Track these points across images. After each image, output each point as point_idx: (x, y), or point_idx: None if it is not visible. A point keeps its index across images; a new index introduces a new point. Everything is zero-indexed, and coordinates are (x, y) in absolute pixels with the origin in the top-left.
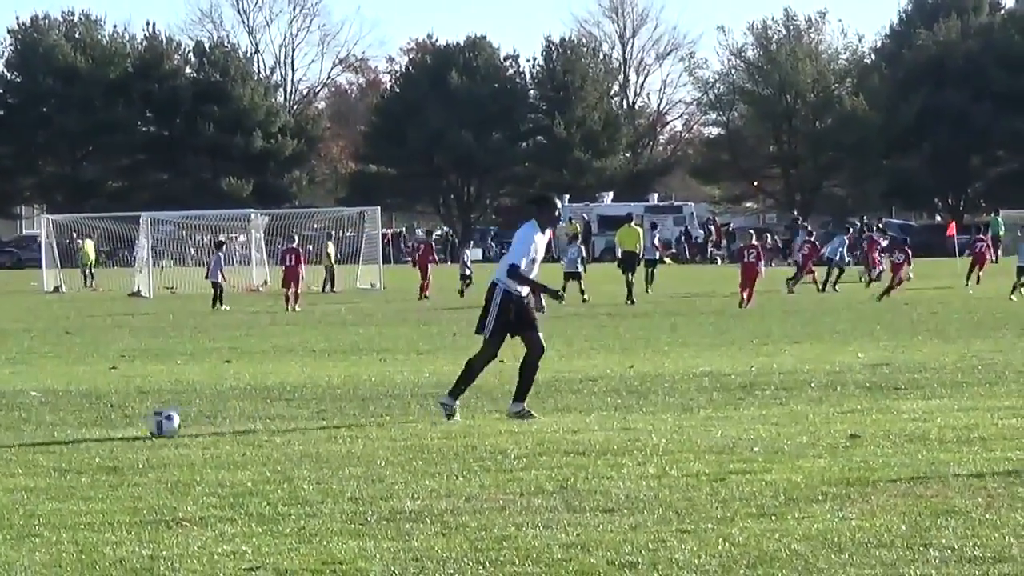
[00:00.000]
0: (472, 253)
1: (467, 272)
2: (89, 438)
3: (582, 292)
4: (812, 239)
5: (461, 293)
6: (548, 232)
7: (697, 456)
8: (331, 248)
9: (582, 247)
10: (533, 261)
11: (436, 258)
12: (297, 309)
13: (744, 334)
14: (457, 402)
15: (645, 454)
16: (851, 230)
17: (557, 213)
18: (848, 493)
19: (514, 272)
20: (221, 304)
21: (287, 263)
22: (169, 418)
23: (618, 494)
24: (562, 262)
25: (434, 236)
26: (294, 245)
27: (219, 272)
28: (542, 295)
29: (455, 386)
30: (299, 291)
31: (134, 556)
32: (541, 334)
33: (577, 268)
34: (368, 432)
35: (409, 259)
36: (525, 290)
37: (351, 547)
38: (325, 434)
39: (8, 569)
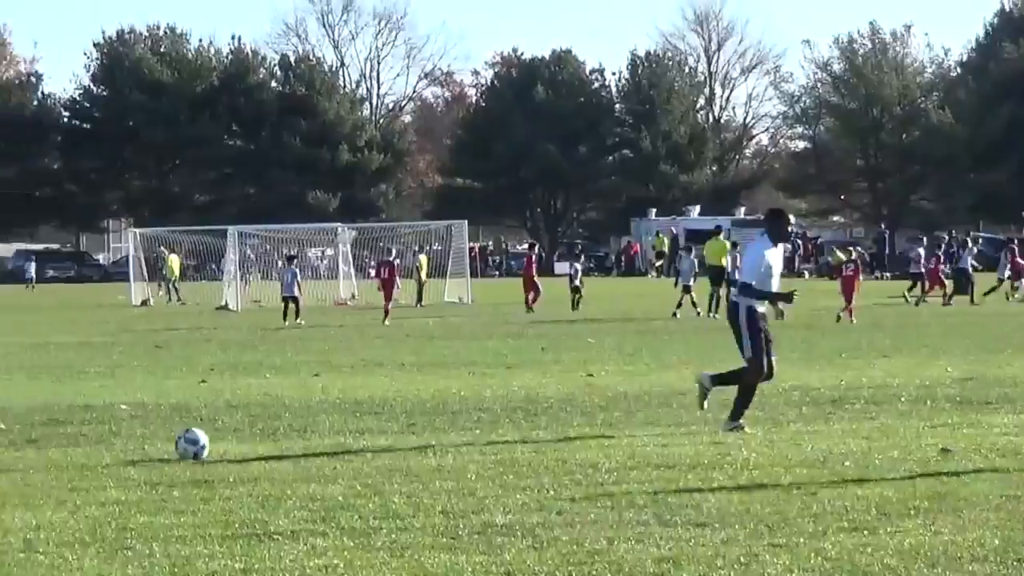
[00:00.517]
0: (561, 267)
1: (577, 284)
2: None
3: (694, 305)
4: (940, 252)
5: (576, 306)
6: (781, 246)
7: (788, 470)
8: (423, 261)
9: (695, 260)
10: (769, 276)
11: (534, 270)
12: (387, 323)
13: (832, 348)
14: (740, 420)
15: (735, 468)
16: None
17: (790, 228)
18: (940, 507)
19: (747, 290)
20: (297, 318)
21: (382, 276)
22: (196, 443)
23: (709, 508)
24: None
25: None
26: (390, 258)
27: (295, 286)
28: (780, 304)
29: (735, 410)
30: (389, 306)
31: (226, 570)
32: (775, 358)
33: (690, 281)
34: (458, 445)
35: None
36: (762, 307)
37: (443, 560)
38: (415, 447)
39: None
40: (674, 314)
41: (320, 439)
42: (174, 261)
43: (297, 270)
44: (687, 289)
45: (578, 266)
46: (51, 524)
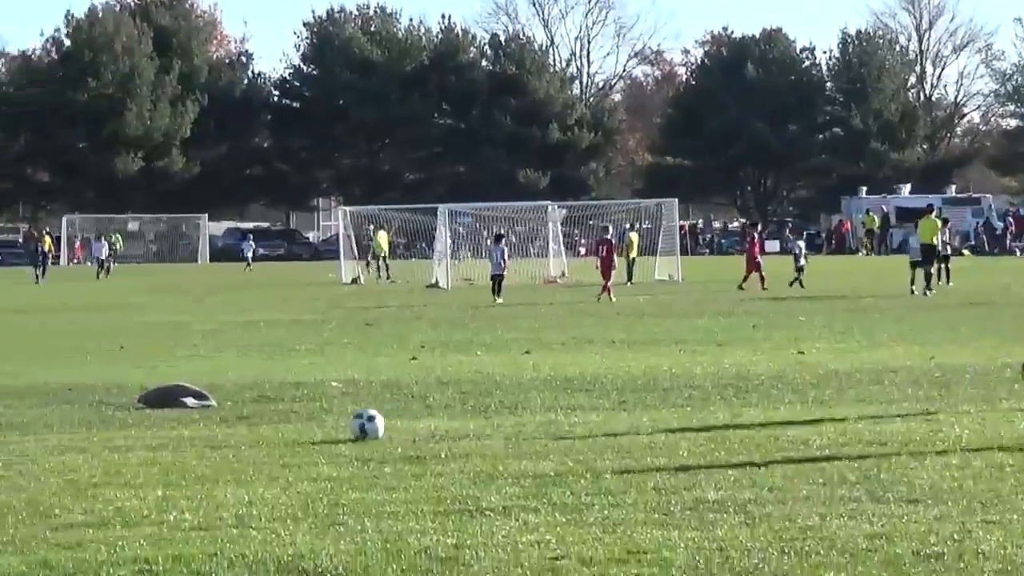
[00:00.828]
0: (771, 244)
1: (802, 264)
2: (391, 428)
3: (940, 278)
4: None
5: (800, 284)
6: None
7: (1001, 447)
8: (635, 239)
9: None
10: None
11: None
12: (613, 299)
13: None
14: None
15: (948, 445)
16: None
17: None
18: None
19: None
20: (498, 296)
21: (600, 254)
22: (372, 419)
23: (922, 484)
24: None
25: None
26: (608, 236)
27: (502, 264)
28: None
29: None
30: (609, 283)
31: (439, 545)
32: None
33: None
34: (669, 422)
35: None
36: None
37: (655, 536)
38: (626, 424)
39: (314, 557)
40: (914, 291)
41: (531, 416)
42: (382, 238)
43: (505, 248)
44: (917, 264)
45: (802, 244)
46: (263, 500)
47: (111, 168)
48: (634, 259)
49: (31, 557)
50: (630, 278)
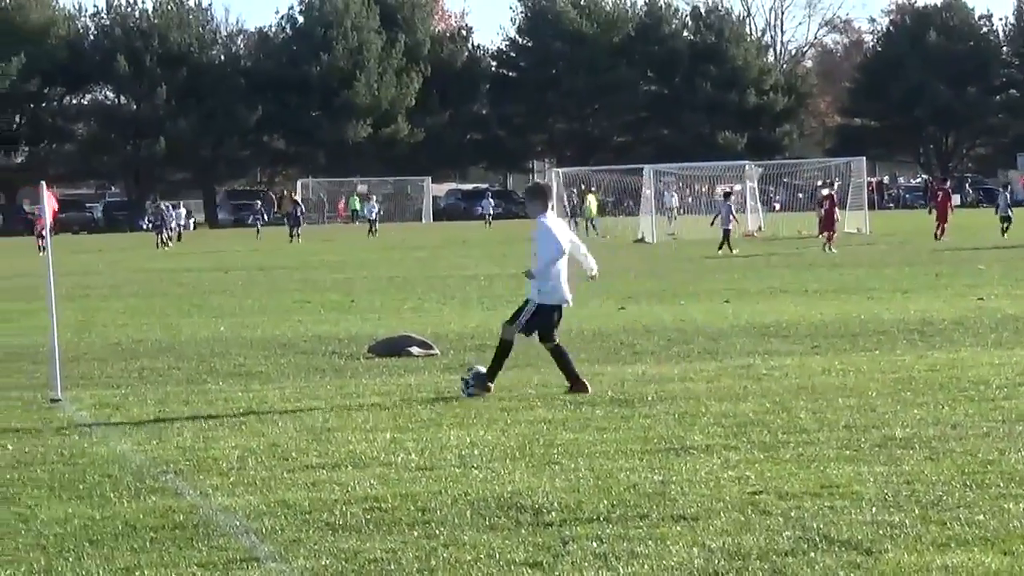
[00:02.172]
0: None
1: (1009, 214)
2: (601, 373)
3: None
4: None
5: (1005, 233)
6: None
7: None
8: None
9: None
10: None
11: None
12: (833, 251)
13: None
14: None
15: None
16: None
17: None
18: None
19: None
20: (731, 249)
21: (824, 208)
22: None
23: None
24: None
25: (913, 183)
26: (830, 192)
27: (730, 219)
28: None
29: None
30: (833, 233)
31: (646, 481)
32: None
33: None
34: (859, 365)
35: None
36: None
37: (846, 471)
38: (819, 367)
39: (531, 494)
40: None
41: (731, 360)
42: (592, 201)
43: (732, 205)
44: None
45: (1008, 194)
46: (484, 441)
47: (342, 135)
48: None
49: (270, 497)
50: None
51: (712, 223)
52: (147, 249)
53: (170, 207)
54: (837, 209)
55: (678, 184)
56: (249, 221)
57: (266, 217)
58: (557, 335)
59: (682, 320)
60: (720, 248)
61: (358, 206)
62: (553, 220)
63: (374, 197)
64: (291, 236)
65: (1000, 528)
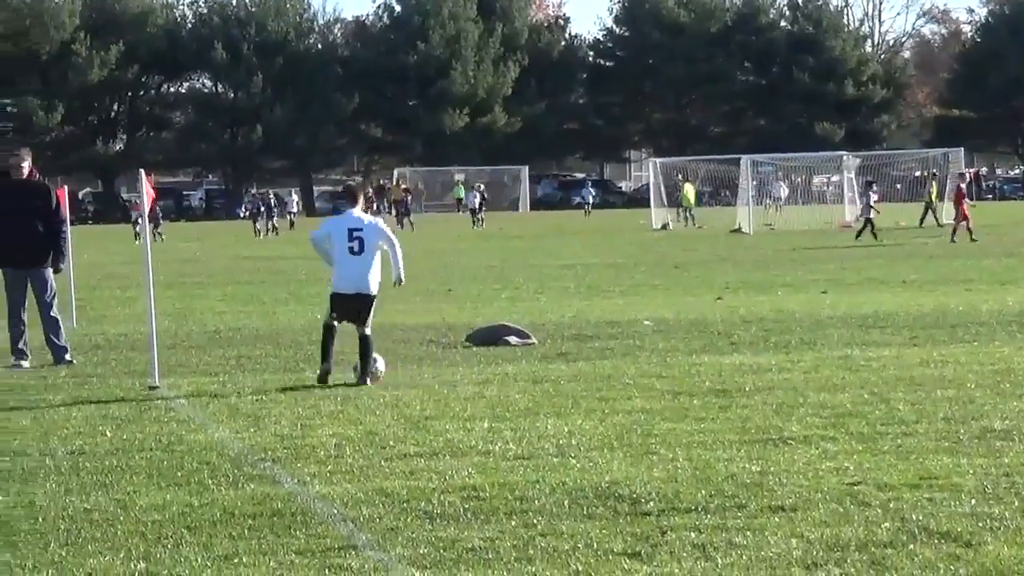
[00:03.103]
0: None
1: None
2: (699, 363)
3: None
4: None
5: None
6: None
7: None
8: (933, 186)
9: None
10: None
11: None
12: (955, 240)
13: None
14: None
15: None
16: None
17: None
18: None
19: None
20: (875, 237)
21: (960, 195)
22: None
23: None
24: None
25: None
26: (964, 183)
27: (871, 208)
28: None
29: None
30: (963, 223)
31: (744, 472)
32: None
33: None
34: (958, 356)
35: None
36: None
37: (945, 463)
38: (918, 358)
39: (629, 484)
40: None
41: (829, 351)
42: (689, 191)
43: (873, 194)
44: None
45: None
46: (581, 430)
47: (439, 124)
48: (934, 205)
49: (368, 485)
50: (924, 221)
51: (860, 215)
52: (245, 237)
53: (271, 195)
54: (965, 200)
55: (777, 174)
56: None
57: (376, 206)
58: (363, 326)
59: (779, 310)
60: (858, 236)
61: (462, 194)
62: (348, 215)
63: (478, 185)
64: (400, 224)
65: None
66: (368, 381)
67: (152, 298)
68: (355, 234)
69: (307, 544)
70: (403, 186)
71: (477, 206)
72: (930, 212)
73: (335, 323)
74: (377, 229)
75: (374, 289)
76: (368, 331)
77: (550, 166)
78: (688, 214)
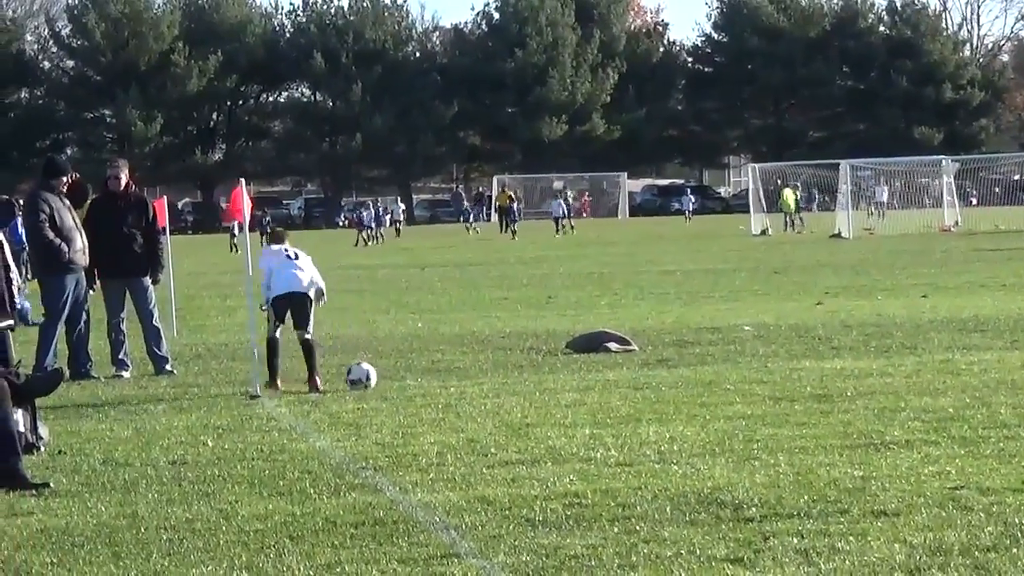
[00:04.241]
0: None
1: None
2: (800, 368)
3: None
4: None
5: None
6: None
7: None
8: None
9: None
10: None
11: None
12: None
13: None
14: None
15: None
16: None
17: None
18: None
19: None
20: None
21: None
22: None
23: None
24: None
25: None
26: None
27: None
28: None
29: None
30: None
31: (846, 477)
32: None
33: None
34: None
35: None
36: None
37: None
38: (1019, 362)
39: (731, 489)
40: None
41: (930, 355)
42: (788, 196)
43: None
44: None
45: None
46: (683, 436)
47: (538, 131)
48: None
49: (470, 492)
50: None
51: None
52: (344, 245)
53: (371, 204)
54: None
55: (878, 179)
56: (463, 219)
57: (482, 215)
58: (304, 331)
59: (880, 315)
60: None
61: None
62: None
63: (563, 192)
64: (503, 230)
65: None
66: (319, 388)
67: (253, 307)
68: (289, 251)
69: (409, 552)
70: (508, 193)
71: (563, 213)
72: None
73: (277, 335)
74: (307, 258)
75: (311, 291)
76: (309, 335)
77: (648, 172)
78: (790, 219)
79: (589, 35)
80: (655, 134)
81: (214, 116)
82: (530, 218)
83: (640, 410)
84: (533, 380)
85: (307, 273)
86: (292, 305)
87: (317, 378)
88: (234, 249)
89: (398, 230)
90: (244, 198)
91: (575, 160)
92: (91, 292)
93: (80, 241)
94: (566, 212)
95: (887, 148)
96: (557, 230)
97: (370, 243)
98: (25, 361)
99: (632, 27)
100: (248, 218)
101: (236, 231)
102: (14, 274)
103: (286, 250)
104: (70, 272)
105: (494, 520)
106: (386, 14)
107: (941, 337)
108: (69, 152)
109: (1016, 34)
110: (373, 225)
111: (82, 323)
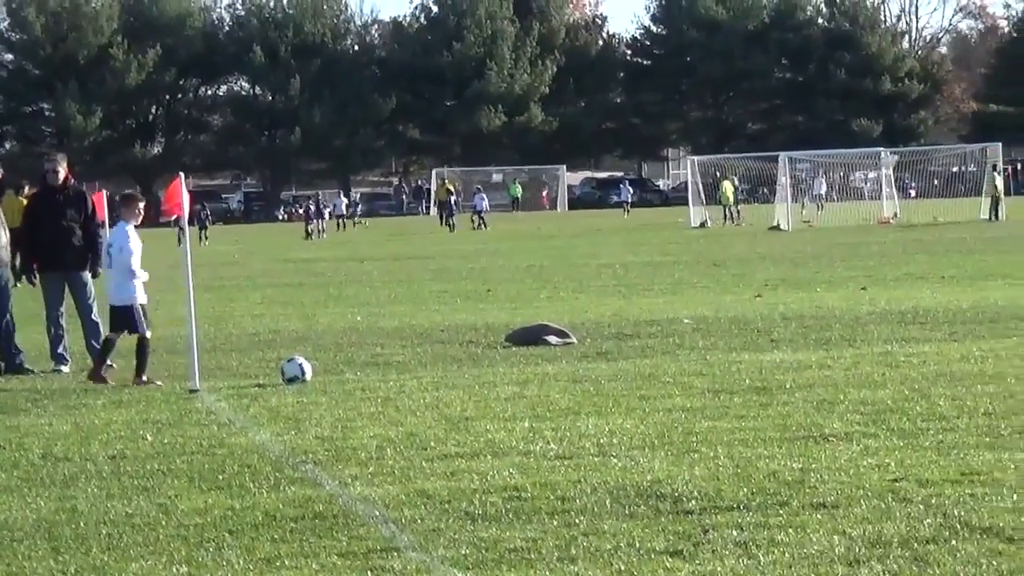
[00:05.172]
0: None
1: None
2: (739, 361)
3: None
4: None
5: None
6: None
7: None
8: (998, 181)
9: None
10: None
11: None
12: None
13: None
14: None
15: None
16: None
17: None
18: None
19: None
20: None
21: None
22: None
23: None
24: None
25: None
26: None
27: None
28: None
29: None
30: None
31: (786, 469)
32: None
33: None
34: (998, 351)
35: None
36: None
37: (987, 459)
38: (958, 354)
39: (671, 482)
40: None
41: (869, 347)
42: (727, 188)
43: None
44: None
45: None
46: (622, 429)
47: (476, 124)
48: (997, 197)
49: (409, 486)
50: (996, 215)
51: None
52: (284, 239)
53: (320, 197)
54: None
55: (816, 172)
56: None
57: (421, 208)
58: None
59: (818, 307)
60: None
61: (518, 193)
62: (117, 229)
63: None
64: (442, 223)
65: None
66: (143, 381)
67: (192, 301)
68: (109, 249)
69: (349, 546)
70: (448, 187)
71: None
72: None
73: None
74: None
75: (118, 301)
76: (143, 333)
77: (587, 165)
78: (728, 211)
79: (528, 28)
80: (594, 126)
81: (153, 110)
82: (468, 211)
83: (579, 403)
84: (472, 373)
85: (123, 279)
86: (113, 316)
87: (142, 377)
88: (180, 242)
89: (339, 224)
90: (183, 192)
91: (514, 153)
92: (17, 286)
93: (3, 236)
94: (488, 207)
95: (826, 140)
96: (475, 225)
97: (317, 237)
98: None
99: (571, 20)
100: (187, 212)
101: (175, 225)
102: None
103: (110, 246)
104: None
105: (433, 514)
106: (325, 7)
107: (880, 329)
108: (7, 147)
109: (954, 26)
110: (316, 219)
111: (8, 317)
